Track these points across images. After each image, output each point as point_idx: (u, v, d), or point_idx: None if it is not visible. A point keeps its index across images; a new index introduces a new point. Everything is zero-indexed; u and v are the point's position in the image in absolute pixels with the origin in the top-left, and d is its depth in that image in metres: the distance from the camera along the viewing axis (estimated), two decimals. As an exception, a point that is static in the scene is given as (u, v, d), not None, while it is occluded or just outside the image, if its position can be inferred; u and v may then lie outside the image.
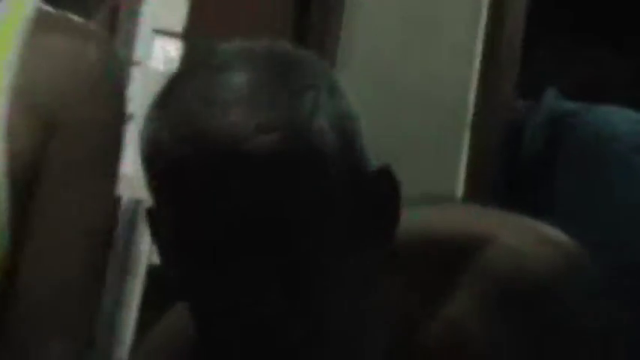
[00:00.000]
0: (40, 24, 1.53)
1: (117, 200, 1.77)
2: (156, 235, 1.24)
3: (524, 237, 1.26)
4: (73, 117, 1.53)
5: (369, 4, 2.58)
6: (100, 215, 1.57)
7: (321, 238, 1.15)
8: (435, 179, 2.61)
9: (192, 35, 2.42)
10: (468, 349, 1.24)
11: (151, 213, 1.19)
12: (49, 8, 1.57)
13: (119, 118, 1.58)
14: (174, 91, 1.17)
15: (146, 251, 2.38)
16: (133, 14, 2.41)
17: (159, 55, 2.43)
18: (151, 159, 1.16)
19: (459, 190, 2.64)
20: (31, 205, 1.53)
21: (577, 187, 2.39)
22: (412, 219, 1.25)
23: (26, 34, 1.53)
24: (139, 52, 2.30)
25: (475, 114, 2.61)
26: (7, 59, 1.53)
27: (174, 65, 2.39)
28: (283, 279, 1.14)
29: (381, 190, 1.19)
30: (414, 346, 1.25)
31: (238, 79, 1.15)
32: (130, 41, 2.34)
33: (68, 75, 1.53)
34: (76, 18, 1.60)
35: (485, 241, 1.25)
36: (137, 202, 2.38)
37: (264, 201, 1.12)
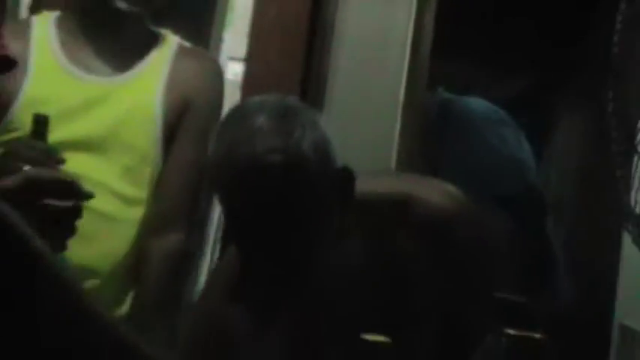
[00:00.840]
0: (181, 52, 2.00)
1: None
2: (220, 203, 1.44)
3: (433, 193, 1.45)
4: (199, 101, 1.93)
5: (346, 48, 2.86)
6: (203, 159, 1.68)
7: (308, 210, 1.36)
8: (374, 147, 2.77)
9: (250, 59, 2.85)
10: (405, 272, 1.41)
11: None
12: (186, 43, 2.01)
13: (221, 105, 1.96)
14: (225, 126, 1.41)
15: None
16: (217, 46, 2.92)
17: (230, 70, 2.90)
18: (213, 161, 1.39)
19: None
20: (170, 150, 1.92)
21: (456, 147, 2.82)
22: (362, 185, 1.39)
23: (174, 58, 1.98)
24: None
25: (405, 103, 2.81)
26: (162, 73, 1.95)
27: (239, 77, 2.88)
28: (288, 229, 1.37)
29: (344, 180, 1.40)
30: (368, 272, 1.43)
31: (259, 120, 1.36)
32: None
33: (197, 79, 1.95)
34: (199, 48, 2.15)
35: (410, 197, 1.43)
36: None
37: (273, 190, 1.35)
